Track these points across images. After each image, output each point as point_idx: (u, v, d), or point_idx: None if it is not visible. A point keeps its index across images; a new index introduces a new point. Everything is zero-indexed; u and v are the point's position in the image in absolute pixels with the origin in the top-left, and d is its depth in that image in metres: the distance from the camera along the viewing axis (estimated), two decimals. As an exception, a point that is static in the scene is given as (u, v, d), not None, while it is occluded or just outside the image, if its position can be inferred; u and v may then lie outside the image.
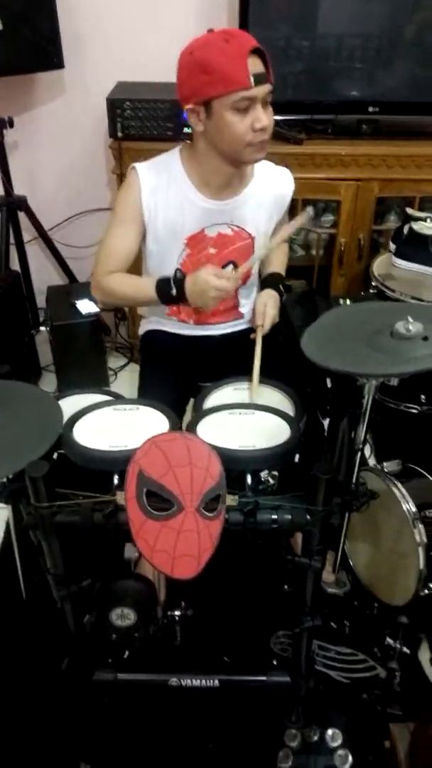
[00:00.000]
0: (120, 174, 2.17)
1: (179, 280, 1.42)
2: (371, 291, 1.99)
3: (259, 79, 1.27)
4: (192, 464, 1.01)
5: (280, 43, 2.14)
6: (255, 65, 1.26)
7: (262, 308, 1.58)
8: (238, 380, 1.42)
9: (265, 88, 1.29)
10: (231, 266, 1.57)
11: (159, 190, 1.45)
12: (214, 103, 1.29)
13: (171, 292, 1.42)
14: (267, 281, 1.66)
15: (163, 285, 1.44)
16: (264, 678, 1.34)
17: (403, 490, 1.53)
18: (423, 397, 1.93)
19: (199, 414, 1.26)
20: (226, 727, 1.43)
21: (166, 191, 1.46)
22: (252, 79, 1.25)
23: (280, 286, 1.64)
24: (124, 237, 1.49)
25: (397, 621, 1.53)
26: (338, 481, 1.10)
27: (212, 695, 1.39)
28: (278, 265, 1.73)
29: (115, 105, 2.11)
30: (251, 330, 1.61)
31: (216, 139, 1.35)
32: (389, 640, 1.53)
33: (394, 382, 0.95)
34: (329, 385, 1.17)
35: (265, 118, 1.31)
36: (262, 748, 1.36)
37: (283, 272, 1.73)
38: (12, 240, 2.42)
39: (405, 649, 1.51)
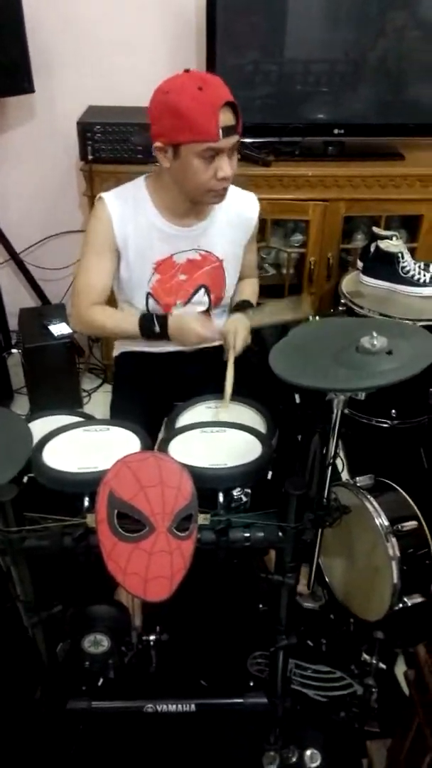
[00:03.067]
0: (91, 196, 2.18)
1: (162, 317, 1.49)
2: (340, 308, 2.02)
3: (228, 132, 1.30)
4: (163, 484, 1.01)
5: (247, 68, 2.19)
6: (226, 118, 1.29)
7: (233, 330, 1.59)
8: (210, 398, 1.42)
9: (232, 140, 1.33)
10: (202, 290, 1.58)
11: (127, 217, 1.48)
12: (182, 147, 1.32)
13: (154, 329, 1.48)
14: (238, 307, 1.68)
15: (146, 321, 1.50)
16: (241, 700, 1.33)
17: (376, 505, 1.54)
18: (393, 411, 1.96)
19: (171, 433, 1.26)
20: (204, 752, 1.41)
21: (134, 218, 1.48)
22: (221, 132, 1.28)
23: (249, 312, 1.66)
24: (100, 268, 1.51)
25: (373, 636, 1.53)
26: (310, 496, 1.10)
27: (189, 720, 1.37)
28: (248, 294, 1.75)
29: (85, 128, 2.12)
30: (222, 351, 1.62)
31: (179, 178, 1.39)
32: (365, 656, 1.53)
33: (362, 396, 0.97)
34: (298, 401, 1.18)
35: (228, 168, 1.35)
36: (240, 771, 1.34)
37: (253, 301, 1.75)
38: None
39: (381, 665, 1.51)
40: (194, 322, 1.47)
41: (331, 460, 1.14)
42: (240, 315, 1.64)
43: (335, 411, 1.08)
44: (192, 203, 1.47)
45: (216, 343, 1.69)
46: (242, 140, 2.19)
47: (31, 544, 1.03)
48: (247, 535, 1.06)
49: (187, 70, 1.34)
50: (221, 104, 1.28)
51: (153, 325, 1.48)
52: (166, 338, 1.49)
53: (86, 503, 1.06)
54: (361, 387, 0.98)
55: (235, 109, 1.32)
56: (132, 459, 1.03)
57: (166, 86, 1.32)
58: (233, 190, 1.57)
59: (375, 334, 0.97)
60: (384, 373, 0.93)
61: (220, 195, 1.42)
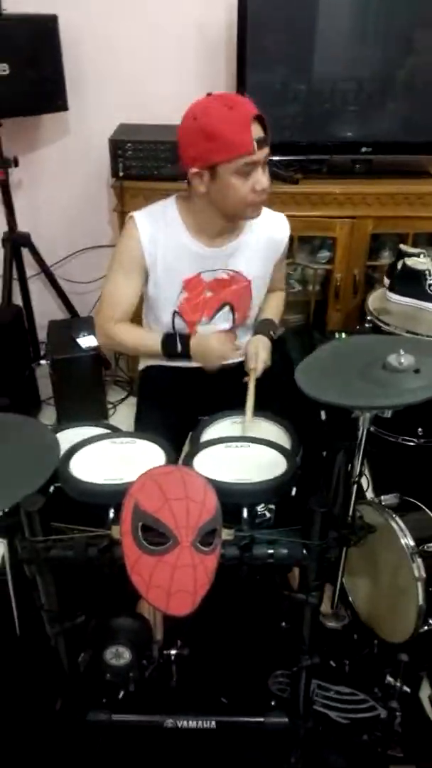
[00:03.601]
0: (121, 212, 2.22)
1: (185, 337, 1.53)
2: (366, 325, 2.01)
3: (261, 144, 1.33)
4: (188, 498, 1.01)
5: (276, 86, 2.21)
6: (257, 131, 1.32)
7: (254, 351, 1.61)
8: (235, 414, 1.43)
9: (265, 152, 1.36)
10: (227, 307, 1.60)
11: (157, 236, 1.50)
12: (218, 167, 1.34)
13: (176, 348, 1.52)
14: (259, 327, 1.69)
15: (169, 341, 1.53)
16: (262, 719, 1.31)
17: (402, 524, 1.52)
18: (420, 430, 1.94)
19: (196, 447, 1.26)
20: (223, 770, 1.40)
21: (164, 237, 1.50)
22: (255, 145, 1.31)
23: (271, 332, 1.68)
24: (126, 285, 1.54)
25: (397, 659, 1.50)
26: (334, 514, 1.09)
27: (209, 737, 1.35)
28: (272, 312, 1.76)
29: (117, 146, 2.16)
30: (244, 371, 1.63)
31: (218, 199, 1.41)
32: (389, 679, 1.50)
33: (388, 414, 0.96)
34: (323, 417, 1.18)
35: (265, 180, 1.38)
36: (260, 792, 1.32)
37: (276, 319, 1.76)
38: (15, 275, 2.45)
39: (405, 688, 1.48)
40: (216, 343, 1.50)
41: (357, 478, 1.13)
42: (261, 337, 1.65)
43: (361, 428, 1.08)
44: (228, 222, 1.49)
45: (240, 360, 1.70)
46: (270, 158, 2.25)
47: (56, 554, 1.04)
48: (271, 551, 1.05)
49: (209, 94, 1.37)
50: (252, 118, 1.31)
51: (175, 345, 1.52)
52: (187, 358, 1.53)
53: (111, 515, 1.07)
54: (388, 405, 0.97)
55: (263, 121, 1.34)
56: (157, 472, 1.04)
57: (192, 113, 1.34)
58: (265, 212, 1.58)
59: (402, 352, 0.97)
60: (411, 391, 0.92)
61: (258, 208, 1.45)
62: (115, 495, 1.04)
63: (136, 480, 1.02)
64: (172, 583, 0.99)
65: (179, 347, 1.52)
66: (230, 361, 1.69)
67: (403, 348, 0.97)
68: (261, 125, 1.33)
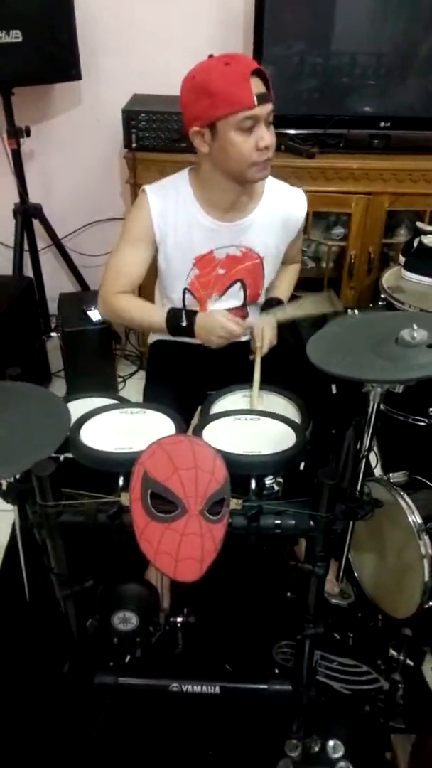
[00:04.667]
0: (133, 184, 2.20)
1: (191, 312, 1.49)
2: (380, 303, 2.00)
3: (262, 99, 1.30)
4: (197, 467, 1.02)
5: (294, 59, 2.17)
6: (257, 86, 1.29)
7: (259, 331, 1.59)
8: (245, 387, 1.43)
9: (267, 108, 1.32)
10: (238, 284, 1.59)
11: (168, 211, 1.48)
12: (218, 124, 1.32)
13: (181, 322, 1.48)
14: (266, 306, 1.67)
15: (173, 315, 1.50)
16: (265, 686, 1.34)
17: (410, 501, 1.53)
18: (431, 409, 1.93)
19: (205, 418, 1.27)
20: (227, 735, 1.42)
21: (174, 212, 1.48)
22: (255, 99, 1.28)
23: (278, 312, 1.65)
24: (132, 257, 1.52)
25: (401, 633, 1.52)
26: (342, 487, 1.10)
27: (213, 702, 1.38)
28: (283, 289, 1.74)
29: (130, 116, 2.14)
30: (250, 350, 1.63)
31: (221, 159, 1.38)
32: (393, 652, 1.52)
33: (399, 389, 0.96)
34: (334, 391, 1.17)
35: (268, 136, 1.34)
36: (262, 757, 1.35)
37: (286, 296, 1.73)
38: (26, 247, 2.45)
39: (409, 662, 1.50)
40: (222, 317, 1.46)
41: (366, 453, 1.14)
42: (267, 315, 1.63)
43: (371, 403, 1.08)
44: (238, 186, 1.45)
45: (244, 338, 1.70)
46: (286, 131, 2.22)
47: (66, 519, 1.06)
48: (278, 522, 1.06)
49: (210, 56, 1.34)
50: (250, 72, 1.28)
51: (180, 320, 1.48)
52: (191, 334, 1.49)
53: (121, 482, 1.08)
54: (400, 379, 0.97)
55: (265, 78, 1.31)
56: (167, 441, 1.05)
57: (191, 72, 1.33)
58: (281, 187, 1.56)
59: (416, 327, 0.96)
60: (424, 366, 0.92)
61: (263, 167, 1.40)
62: (126, 463, 1.05)
63: (146, 448, 1.03)
64: (180, 550, 1.00)
65: (183, 322, 1.48)
66: (240, 339, 1.69)
67: (416, 323, 0.96)
68: (263, 81, 1.31)
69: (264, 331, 1.59)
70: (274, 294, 1.71)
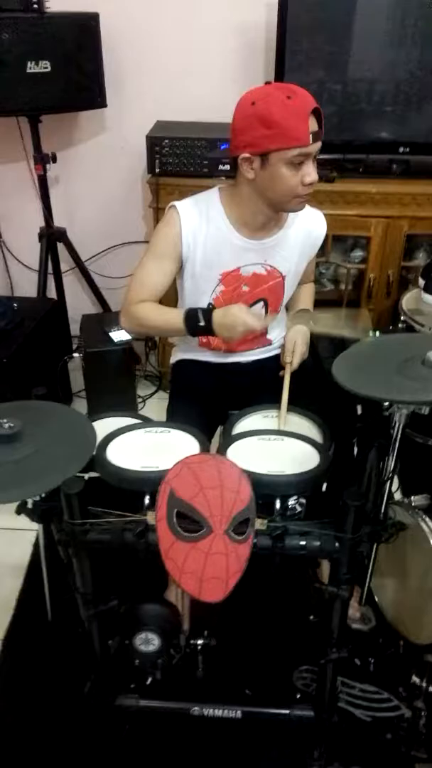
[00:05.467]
0: (156, 208, 2.25)
1: (208, 311, 1.46)
2: (400, 325, 2.00)
3: (315, 137, 1.33)
4: (223, 486, 1.02)
5: (313, 86, 2.21)
6: (313, 124, 1.32)
7: (291, 345, 1.61)
8: (267, 408, 1.43)
9: (318, 146, 1.35)
10: (261, 303, 1.61)
11: (198, 227, 1.50)
12: (271, 155, 1.34)
13: (199, 323, 1.46)
14: (297, 318, 1.68)
15: (191, 315, 1.47)
16: (287, 711, 1.32)
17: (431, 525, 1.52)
18: (452, 433, 1.92)
19: (229, 438, 1.27)
20: (247, 761, 1.40)
21: (205, 228, 1.50)
22: (311, 138, 1.31)
23: (310, 322, 1.66)
24: (158, 271, 1.53)
25: (423, 660, 1.49)
26: (367, 510, 1.10)
27: (232, 728, 1.37)
28: (306, 302, 1.76)
29: (154, 142, 2.19)
30: (279, 357, 1.64)
31: (265, 188, 1.40)
32: (415, 679, 1.49)
33: (425, 410, 0.96)
34: (359, 412, 1.17)
35: (314, 173, 1.37)
36: (282, 784, 1.33)
37: (310, 308, 1.76)
38: (50, 269, 2.50)
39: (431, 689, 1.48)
40: (240, 311, 1.43)
41: (391, 475, 1.13)
42: (301, 327, 1.65)
43: (397, 425, 1.08)
44: (272, 213, 1.47)
45: (270, 354, 1.71)
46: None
47: (93, 537, 1.06)
48: (303, 543, 1.06)
49: (268, 82, 1.37)
50: (310, 110, 1.30)
51: (198, 319, 1.45)
52: (211, 333, 1.46)
53: (147, 501, 1.09)
54: (427, 401, 0.97)
55: (319, 115, 1.34)
56: (193, 460, 1.06)
57: (252, 97, 1.34)
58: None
59: (442, 348, 0.96)
60: (451, 387, 0.92)
61: (304, 202, 1.44)
62: (152, 482, 1.06)
63: (172, 467, 1.04)
64: (205, 569, 1.00)
65: (202, 321, 1.45)
66: (262, 356, 1.70)
67: (442, 344, 0.97)
68: (317, 119, 1.33)
69: (296, 345, 1.60)
70: (299, 307, 1.73)
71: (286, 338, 1.64)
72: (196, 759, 1.40)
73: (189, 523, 1.01)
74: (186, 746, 1.42)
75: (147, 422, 1.33)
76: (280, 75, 2.18)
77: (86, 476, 1.18)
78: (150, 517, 1.04)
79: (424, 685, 1.47)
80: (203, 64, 2.37)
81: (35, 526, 1.23)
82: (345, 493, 1.03)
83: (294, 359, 1.59)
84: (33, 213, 2.50)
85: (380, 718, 1.47)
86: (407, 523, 1.51)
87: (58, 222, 2.49)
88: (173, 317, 1.51)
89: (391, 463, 1.14)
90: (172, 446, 1.22)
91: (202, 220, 1.50)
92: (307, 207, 1.59)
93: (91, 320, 2.51)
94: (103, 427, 1.30)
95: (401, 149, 2.29)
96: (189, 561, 1.00)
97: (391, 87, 2.22)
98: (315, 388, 1.58)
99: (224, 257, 1.52)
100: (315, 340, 1.95)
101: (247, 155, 1.36)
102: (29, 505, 1.16)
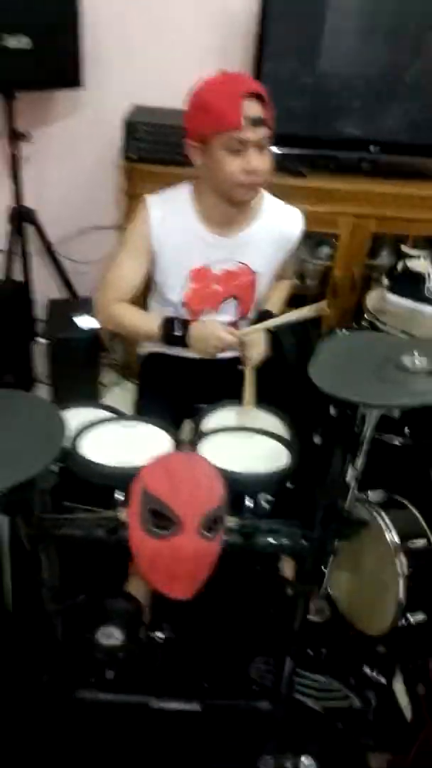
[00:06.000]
0: (130, 194, 2.21)
1: (185, 322, 1.48)
2: (363, 324, 2.04)
3: (254, 123, 1.30)
4: (195, 484, 1.03)
5: (291, 77, 2.19)
6: (251, 109, 1.29)
7: (250, 342, 1.60)
8: (235, 403, 1.45)
9: (259, 132, 1.32)
10: (232, 300, 1.60)
11: (167, 222, 1.49)
12: (210, 141, 1.34)
13: (174, 332, 1.47)
14: (258, 318, 1.67)
15: (168, 324, 1.49)
16: (245, 704, 1.34)
17: (387, 520, 1.55)
18: (407, 429, 1.97)
19: (199, 434, 1.28)
20: (202, 752, 1.42)
21: (173, 224, 1.49)
22: (244, 122, 1.28)
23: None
24: (132, 268, 1.53)
25: (374, 650, 1.54)
26: (337, 507, 1.12)
27: (186, 719, 1.38)
28: (273, 303, 1.76)
29: (131, 127, 2.14)
30: (239, 361, 1.64)
31: (211, 176, 1.40)
32: (366, 670, 1.54)
33: (396, 413, 0.99)
34: (333, 412, 1.19)
35: (256, 162, 1.34)
36: (237, 773, 1.36)
37: (276, 309, 1.75)
38: (17, 251, 2.42)
39: (381, 679, 1.53)
40: (216, 328, 1.46)
41: (358, 475, 1.16)
42: (256, 326, 1.65)
43: (367, 425, 1.10)
44: (229, 204, 1.46)
45: (234, 354, 1.71)
46: (279, 152, 2.25)
47: (65, 532, 1.05)
48: (273, 541, 1.08)
49: (222, 72, 1.36)
50: (243, 93, 1.28)
51: (174, 329, 1.48)
52: (184, 344, 1.48)
53: (119, 497, 1.08)
54: (400, 404, 1.00)
55: (263, 101, 1.31)
56: (166, 457, 1.06)
57: (197, 86, 1.35)
58: (278, 205, 1.58)
59: (417, 354, 0.99)
60: (424, 393, 0.95)
61: (250, 190, 1.41)
62: (125, 478, 1.06)
63: (147, 464, 1.04)
64: (175, 567, 1.01)
65: (178, 331, 1.47)
66: (232, 354, 1.70)
67: (417, 350, 1.00)
68: (261, 105, 1.31)
69: (255, 343, 1.61)
70: (265, 307, 1.74)
71: (240, 332, 1.63)
72: (151, 751, 1.41)
73: (161, 520, 1.02)
74: (140, 738, 1.42)
75: (120, 415, 1.32)
76: (257, 64, 2.16)
77: (55, 467, 1.16)
78: (122, 514, 1.03)
79: (374, 675, 1.52)
80: (182, 50, 2.32)
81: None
82: (316, 491, 1.05)
83: (253, 356, 1.58)
84: (2, 192, 2.40)
85: (332, 708, 1.51)
86: (363, 518, 1.54)
87: (28, 202, 2.41)
88: (150, 323, 1.52)
89: (361, 462, 1.17)
90: (144, 441, 1.22)
91: (171, 214, 1.49)
92: (283, 204, 1.59)
93: (58, 305, 2.45)
94: (72, 417, 1.28)
95: (372, 148, 2.31)
96: (159, 558, 1.01)
97: (361, 83, 2.22)
98: (278, 383, 1.59)
99: (193, 253, 1.52)
100: (280, 336, 1.97)
101: (191, 142, 1.37)
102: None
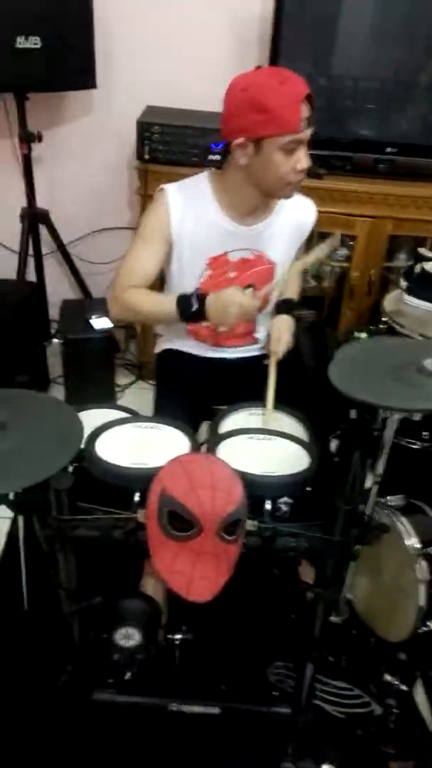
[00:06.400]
0: (144, 195, 2.20)
1: (202, 296, 1.44)
2: (381, 326, 2.01)
3: (308, 124, 1.31)
4: (215, 487, 1.01)
5: (306, 79, 2.20)
6: (305, 110, 1.30)
7: (277, 334, 1.61)
8: (253, 405, 1.43)
9: (310, 131, 1.34)
10: (251, 289, 1.59)
11: (187, 211, 1.48)
12: (264, 142, 1.32)
13: (192, 307, 1.43)
14: (281, 307, 1.68)
15: (183, 300, 1.45)
16: (265, 708, 1.33)
17: (407, 525, 1.54)
18: (425, 433, 1.95)
19: (218, 437, 1.26)
20: (221, 757, 1.41)
21: (193, 212, 1.48)
22: (303, 124, 1.29)
23: (294, 312, 1.67)
24: (147, 256, 1.51)
25: (394, 657, 1.52)
26: (357, 512, 1.10)
27: (208, 722, 1.37)
28: (293, 292, 1.76)
29: (145, 128, 2.14)
30: (264, 356, 1.63)
31: (258, 174, 1.39)
32: (387, 677, 1.52)
33: (417, 417, 0.97)
34: (353, 416, 1.18)
35: (306, 160, 1.36)
36: (256, 780, 1.34)
37: (296, 297, 1.75)
38: (31, 251, 2.43)
39: (402, 687, 1.51)
40: (234, 293, 1.40)
41: (379, 478, 1.14)
42: (286, 318, 1.64)
43: (387, 429, 1.08)
44: (263, 198, 1.46)
45: (256, 353, 1.70)
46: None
47: (81, 533, 1.04)
48: (293, 544, 1.06)
49: (257, 67, 1.34)
50: (303, 96, 1.29)
51: (191, 304, 1.43)
52: (203, 317, 1.44)
53: (137, 498, 1.07)
54: (422, 408, 0.98)
55: (311, 100, 1.31)
56: (186, 459, 1.04)
57: (243, 83, 1.32)
58: (294, 197, 1.58)
59: (439, 357, 0.97)
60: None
61: (295, 188, 1.43)
62: (143, 479, 1.05)
63: (165, 466, 1.03)
64: (194, 569, 0.99)
65: (195, 305, 1.43)
66: (247, 354, 1.69)
67: (439, 353, 0.98)
68: (309, 104, 1.31)
69: (281, 334, 1.59)
70: (284, 295, 1.71)
71: (272, 328, 1.63)
72: (170, 755, 1.40)
73: (179, 522, 1.00)
74: (159, 742, 1.41)
75: (136, 416, 1.31)
76: (272, 66, 2.15)
77: (71, 467, 1.16)
78: (140, 515, 1.02)
79: (395, 682, 1.50)
80: (195, 51, 2.33)
81: (10, 514, 1.20)
82: (336, 495, 1.04)
83: (280, 348, 1.58)
84: (15, 193, 2.42)
85: (352, 714, 1.49)
86: (384, 523, 1.52)
87: (40, 203, 2.43)
88: (165, 302, 1.49)
89: (382, 466, 1.15)
90: (161, 442, 1.21)
91: (191, 203, 1.47)
92: (297, 194, 1.59)
93: (71, 306, 2.46)
94: (87, 418, 1.27)
95: (388, 149, 2.29)
96: (178, 560, 1.00)
97: (377, 85, 2.21)
98: (296, 386, 1.58)
99: (212, 241, 1.51)
100: (298, 340, 1.96)
101: (241, 140, 1.34)
102: (11, 497, 1.13)
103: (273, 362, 1.54)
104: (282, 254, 1.59)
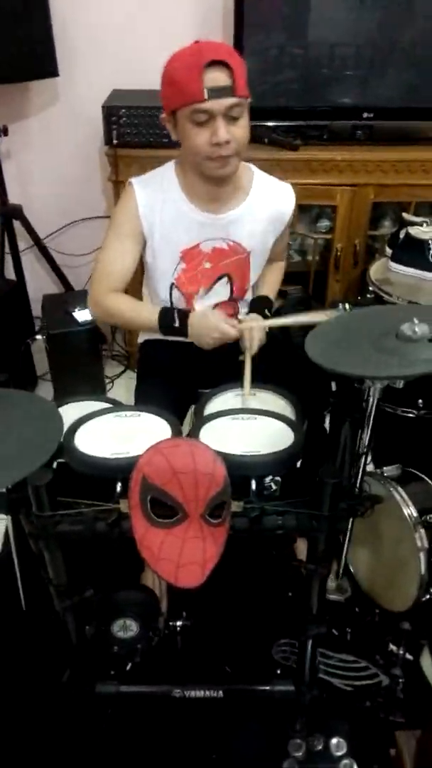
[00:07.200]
0: (116, 181, 2.17)
1: (184, 312, 1.46)
2: (368, 296, 1.99)
3: (216, 93, 1.24)
4: (196, 470, 0.99)
5: (274, 50, 2.15)
6: (214, 79, 1.23)
7: (248, 330, 1.57)
8: (237, 386, 1.41)
9: (224, 102, 1.25)
10: (225, 279, 1.56)
11: (155, 203, 1.45)
12: (177, 114, 1.31)
13: (173, 323, 1.45)
14: (254, 305, 1.65)
15: (165, 314, 1.47)
16: (268, 687, 1.33)
17: (404, 495, 1.53)
18: (420, 401, 1.93)
19: (202, 419, 1.25)
20: (229, 738, 1.41)
21: (161, 204, 1.46)
22: (206, 93, 1.23)
23: (265, 310, 1.63)
24: (122, 254, 1.49)
25: (399, 627, 1.52)
26: (343, 485, 1.09)
27: (214, 706, 1.37)
28: (269, 287, 1.72)
29: (110, 112, 2.10)
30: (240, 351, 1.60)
31: (183, 149, 1.37)
32: (392, 647, 1.52)
33: (400, 384, 0.95)
34: (334, 388, 1.15)
35: (222, 133, 1.28)
36: (266, 758, 1.34)
37: (272, 294, 1.71)
38: (7, 249, 2.40)
39: (408, 656, 1.50)
40: (216, 318, 1.44)
41: (366, 449, 1.12)
42: (256, 315, 1.60)
43: (371, 399, 1.06)
44: (206, 179, 1.41)
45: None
46: (269, 124, 2.20)
47: (64, 528, 1.03)
48: (281, 522, 1.05)
49: (197, 42, 1.29)
50: (204, 63, 1.22)
51: (173, 320, 1.45)
52: (183, 335, 1.46)
53: (119, 489, 1.06)
54: (403, 375, 0.96)
55: (230, 70, 1.24)
56: (165, 445, 1.03)
57: (169, 59, 1.30)
58: (269, 181, 1.53)
59: (416, 321, 0.95)
60: (427, 361, 0.90)
61: (220, 163, 1.34)
62: (123, 469, 1.03)
63: (144, 453, 1.01)
64: (182, 555, 0.98)
65: (176, 322, 1.45)
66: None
67: (416, 317, 0.95)
68: (227, 73, 1.24)
69: (253, 332, 1.56)
70: (261, 290, 1.69)
71: (243, 324, 1.59)
72: (178, 740, 1.40)
73: (163, 508, 0.99)
74: (166, 728, 1.41)
75: (116, 406, 1.29)
76: (239, 39, 2.10)
77: (55, 463, 1.14)
78: (123, 505, 1.01)
79: (400, 652, 1.49)
80: (159, 30, 2.27)
81: (3, 515, 1.19)
82: (321, 470, 1.02)
83: (253, 345, 1.54)
84: (-15, 190, 2.39)
85: (359, 686, 1.49)
86: (379, 494, 1.51)
87: (12, 198, 2.39)
88: (146, 312, 1.50)
89: (367, 437, 1.13)
90: (143, 430, 1.19)
91: (158, 194, 1.45)
92: (275, 180, 1.55)
93: (53, 300, 2.43)
94: (70, 412, 1.26)
95: (365, 114, 2.25)
96: (165, 547, 0.98)
97: (352, 51, 2.17)
98: (285, 363, 1.56)
99: (183, 233, 1.48)
100: (284, 315, 1.93)
101: (163, 115, 1.34)
102: (-3, 496, 1.12)
103: (248, 358, 1.50)
104: (258, 243, 1.55)
